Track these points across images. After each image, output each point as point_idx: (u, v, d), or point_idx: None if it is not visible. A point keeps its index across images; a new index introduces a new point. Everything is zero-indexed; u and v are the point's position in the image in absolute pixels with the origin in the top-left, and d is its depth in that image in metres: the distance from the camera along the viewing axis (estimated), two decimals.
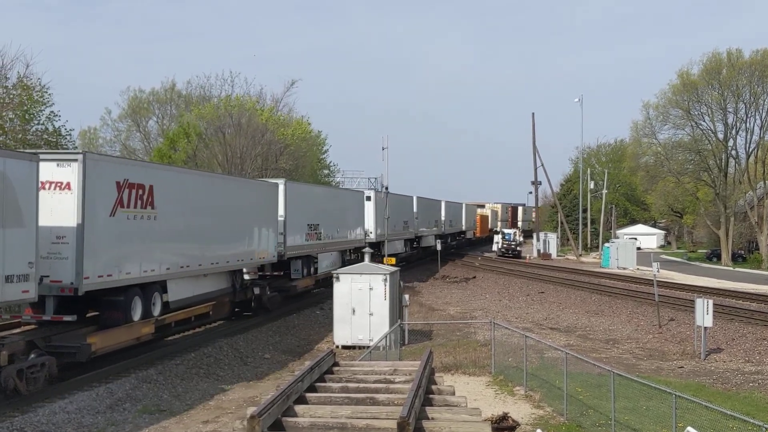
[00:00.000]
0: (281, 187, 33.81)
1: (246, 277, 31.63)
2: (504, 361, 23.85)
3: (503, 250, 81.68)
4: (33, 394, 18.21)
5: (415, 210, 62.77)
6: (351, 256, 45.19)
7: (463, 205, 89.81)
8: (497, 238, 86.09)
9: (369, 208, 47.40)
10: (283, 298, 34.82)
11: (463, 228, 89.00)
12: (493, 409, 18.06)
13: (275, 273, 35.10)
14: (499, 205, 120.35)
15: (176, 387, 21.91)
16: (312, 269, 37.78)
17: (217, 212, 27.16)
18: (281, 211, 33.44)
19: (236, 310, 31.22)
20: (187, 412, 19.51)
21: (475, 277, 57.15)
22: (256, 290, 31.67)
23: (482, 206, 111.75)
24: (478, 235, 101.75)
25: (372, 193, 48.85)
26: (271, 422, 10.20)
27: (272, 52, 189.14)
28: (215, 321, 29.40)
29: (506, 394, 20.58)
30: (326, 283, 40.42)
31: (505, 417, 16.87)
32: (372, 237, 47.61)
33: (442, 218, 75.24)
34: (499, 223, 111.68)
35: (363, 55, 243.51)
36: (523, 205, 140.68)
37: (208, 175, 30.92)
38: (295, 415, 10.98)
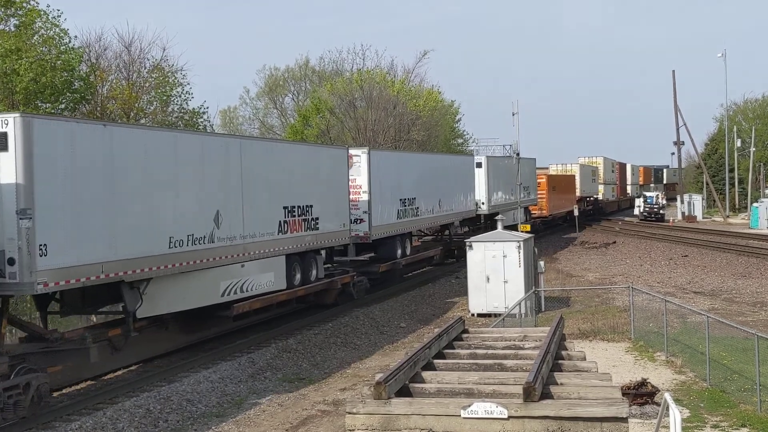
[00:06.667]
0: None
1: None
2: (644, 326, 23.22)
3: (645, 213, 79.32)
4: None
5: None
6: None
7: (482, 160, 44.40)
8: (638, 201, 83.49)
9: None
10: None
11: (480, 205, 43.32)
12: (632, 375, 17.63)
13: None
14: (600, 160, 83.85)
15: (315, 356, 22.47)
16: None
17: None
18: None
19: None
20: (325, 380, 19.99)
21: (615, 242, 55.76)
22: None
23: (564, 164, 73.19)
24: (544, 213, 57.30)
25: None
26: (398, 388, 10.30)
27: (404, 24, 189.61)
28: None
29: (646, 360, 20.07)
30: None
31: (644, 383, 16.38)
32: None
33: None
34: (601, 187, 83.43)
35: (495, 23, 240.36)
36: (667, 167, 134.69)
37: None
38: (422, 381, 11.06)
